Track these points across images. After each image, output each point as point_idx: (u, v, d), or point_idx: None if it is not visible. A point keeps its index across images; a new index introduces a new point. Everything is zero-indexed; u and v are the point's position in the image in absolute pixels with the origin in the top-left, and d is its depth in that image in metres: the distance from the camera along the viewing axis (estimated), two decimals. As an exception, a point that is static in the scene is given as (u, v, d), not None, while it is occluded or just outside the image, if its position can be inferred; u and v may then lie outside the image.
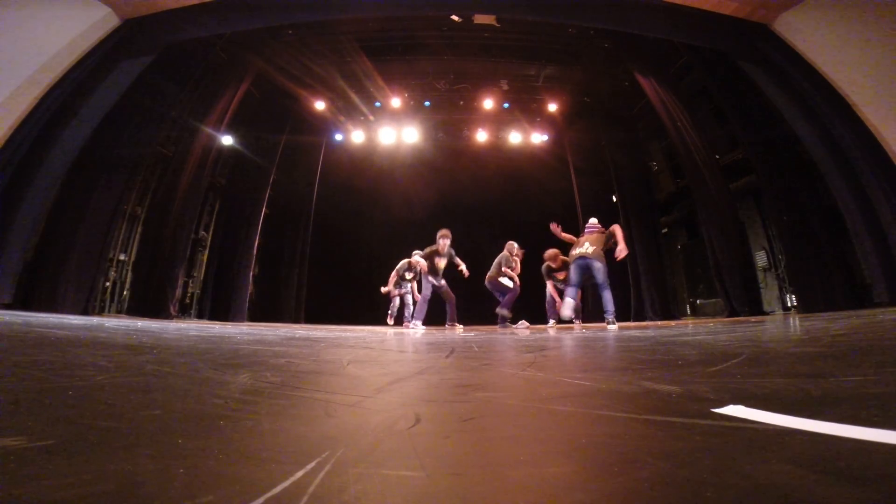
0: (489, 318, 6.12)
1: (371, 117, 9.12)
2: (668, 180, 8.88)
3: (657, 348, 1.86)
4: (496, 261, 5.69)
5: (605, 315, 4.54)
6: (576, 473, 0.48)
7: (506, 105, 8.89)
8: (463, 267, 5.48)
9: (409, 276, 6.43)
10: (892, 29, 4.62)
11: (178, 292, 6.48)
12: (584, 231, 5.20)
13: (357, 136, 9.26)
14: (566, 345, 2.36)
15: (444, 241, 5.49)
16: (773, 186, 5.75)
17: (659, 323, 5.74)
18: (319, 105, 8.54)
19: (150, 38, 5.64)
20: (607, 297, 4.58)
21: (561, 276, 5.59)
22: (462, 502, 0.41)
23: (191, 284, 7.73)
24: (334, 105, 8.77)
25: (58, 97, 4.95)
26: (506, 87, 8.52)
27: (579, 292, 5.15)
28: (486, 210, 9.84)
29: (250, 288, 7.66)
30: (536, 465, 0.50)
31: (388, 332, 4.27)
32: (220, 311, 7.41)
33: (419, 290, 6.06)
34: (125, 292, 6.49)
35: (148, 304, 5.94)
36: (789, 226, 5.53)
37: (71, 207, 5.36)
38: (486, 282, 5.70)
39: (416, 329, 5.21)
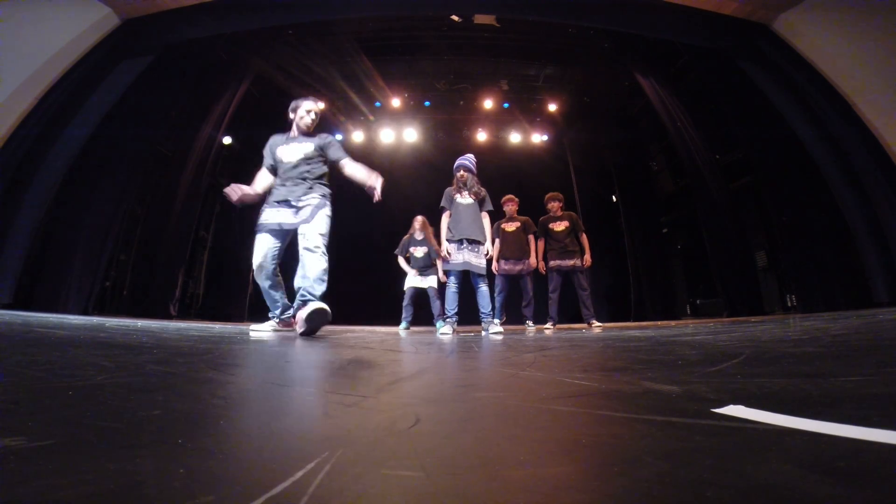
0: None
1: (371, 117, 9.12)
2: (668, 180, 8.88)
3: (657, 348, 1.86)
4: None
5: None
6: (576, 473, 0.48)
7: (506, 105, 8.89)
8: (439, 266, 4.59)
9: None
10: (891, 29, 4.62)
11: (178, 292, 6.48)
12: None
13: (357, 136, 9.26)
14: (566, 345, 2.36)
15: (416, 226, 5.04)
16: (773, 186, 5.75)
17: (659, 323, 5.73)
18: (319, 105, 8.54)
19: (150, 38, 5.65)
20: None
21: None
22: (462, 502, 0.40)
23: (191, 284, 7.72)
24: (334, 105, 8.77)
25: (58, 97, 4.96)
26: (506, 87, 8.52)
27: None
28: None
29: (250, 288, 7.66)
30: (536, 465, 0.50)
31: (388, 333, 4.21)
32: (220, 311, 7.41)
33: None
34: (125, 292, 6.49)
35: (148, 304, 5.94)
36: (789, 226, 5.52)
37: (71, 207, 5.36)
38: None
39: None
